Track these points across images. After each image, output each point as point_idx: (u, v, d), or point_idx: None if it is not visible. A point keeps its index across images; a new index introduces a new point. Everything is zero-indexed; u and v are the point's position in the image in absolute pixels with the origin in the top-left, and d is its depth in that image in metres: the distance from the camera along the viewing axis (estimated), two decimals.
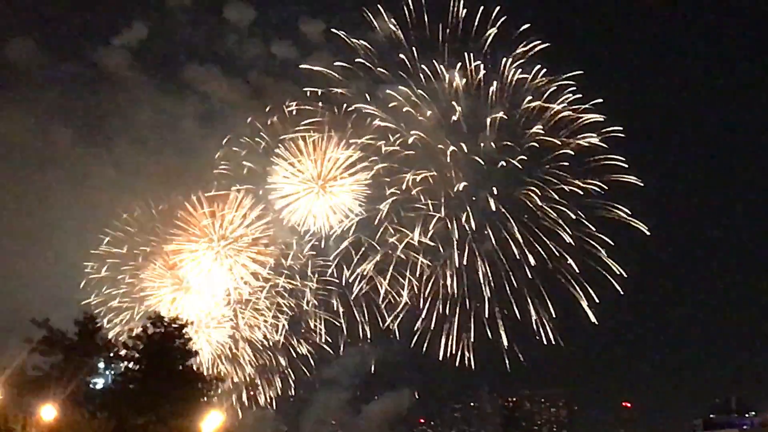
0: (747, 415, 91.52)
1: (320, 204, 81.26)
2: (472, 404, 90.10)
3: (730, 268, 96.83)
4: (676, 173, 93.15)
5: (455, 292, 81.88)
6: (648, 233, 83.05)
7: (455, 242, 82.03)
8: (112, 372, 53.94)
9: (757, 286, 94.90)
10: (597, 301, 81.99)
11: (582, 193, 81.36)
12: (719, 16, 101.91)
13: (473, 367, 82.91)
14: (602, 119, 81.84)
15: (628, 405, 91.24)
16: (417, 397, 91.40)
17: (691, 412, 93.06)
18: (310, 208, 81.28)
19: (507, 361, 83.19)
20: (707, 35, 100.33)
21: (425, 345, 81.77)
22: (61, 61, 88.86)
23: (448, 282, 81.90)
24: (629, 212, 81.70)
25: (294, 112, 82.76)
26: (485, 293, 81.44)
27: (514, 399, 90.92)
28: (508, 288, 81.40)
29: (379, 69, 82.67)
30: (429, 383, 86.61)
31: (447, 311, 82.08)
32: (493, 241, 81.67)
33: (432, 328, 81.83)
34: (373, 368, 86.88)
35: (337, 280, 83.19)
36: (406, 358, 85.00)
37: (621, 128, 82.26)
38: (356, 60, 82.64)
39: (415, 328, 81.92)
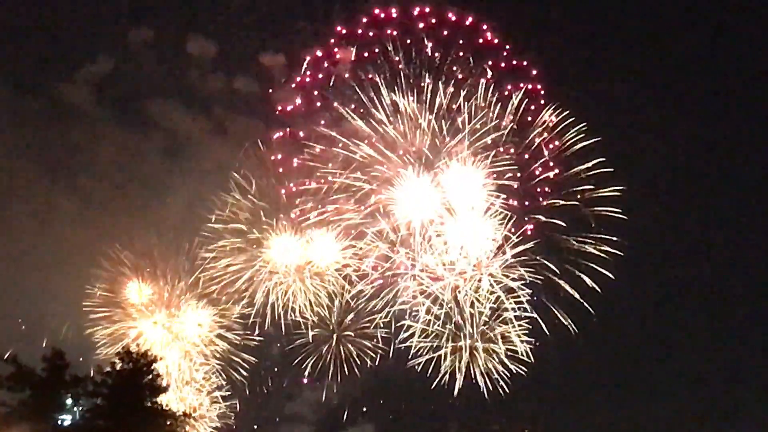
0: None
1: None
2: None
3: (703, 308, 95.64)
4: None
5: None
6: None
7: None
8: (81, 408, 53.68)
9: (729, 321, 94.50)
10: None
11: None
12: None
13: None
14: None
15: None
16: None
17: None
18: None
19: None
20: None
21: None
22: (24, 95, 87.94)
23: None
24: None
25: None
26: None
27: None
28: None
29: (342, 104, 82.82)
30: (394, 418, 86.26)
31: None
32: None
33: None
34: (336, 403, 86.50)
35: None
36: (370, 393, 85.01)
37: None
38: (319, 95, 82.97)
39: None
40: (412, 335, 79.29)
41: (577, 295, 78.36)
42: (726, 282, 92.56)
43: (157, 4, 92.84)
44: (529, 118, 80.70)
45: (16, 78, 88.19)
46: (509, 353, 79.08)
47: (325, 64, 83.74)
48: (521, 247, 78.54)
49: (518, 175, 79.91)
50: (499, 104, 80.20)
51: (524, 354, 78.63)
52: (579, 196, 79.51)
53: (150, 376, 55.74)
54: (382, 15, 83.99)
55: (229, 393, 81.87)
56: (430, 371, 79.28)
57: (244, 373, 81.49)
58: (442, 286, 79.27)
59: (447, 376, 79.27)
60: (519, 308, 78.89)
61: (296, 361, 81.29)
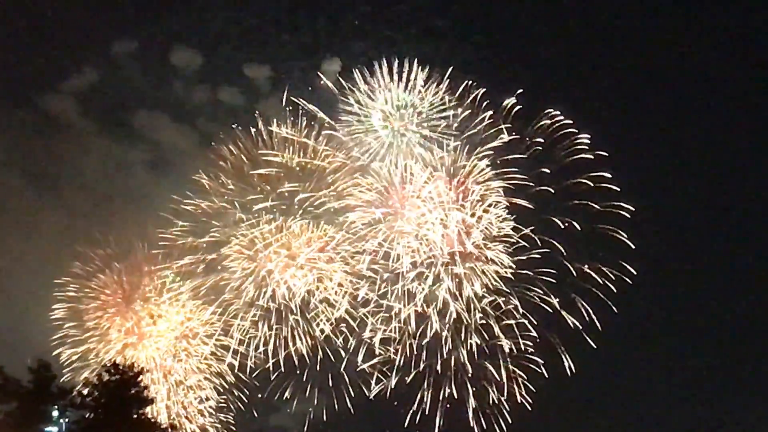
0: None
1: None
2: None
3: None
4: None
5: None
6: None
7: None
8: (67, 420, 53.47)
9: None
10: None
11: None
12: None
13: None
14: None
15: None
16: None
17: None
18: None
19: None
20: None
21: None
22: (9, 107, 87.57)
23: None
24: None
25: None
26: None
27: None
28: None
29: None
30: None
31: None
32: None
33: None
34: (322, 418, 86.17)
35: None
36: (357, 408, 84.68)
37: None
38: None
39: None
40: (395, 356, 79.20)
41: (573, 321, 77.12)
42: (733, 307, 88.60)
43: (141, 15, 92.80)
44: (521, 134, 79.41)
45: (1, 89, 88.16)
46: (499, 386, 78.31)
47: (309, 77, 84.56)
48: (516, 258, 77.77)
49: (515, 192, 78.42)
50: (490, 112, 79.05)
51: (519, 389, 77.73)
52: (581, 217, 77.11)
53: (137, 388, 55.71)
54: (366, 27, 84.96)
55: (224, 405, 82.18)
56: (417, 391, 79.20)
57: (236, 392, 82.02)
58: (425, 305, 79.00)
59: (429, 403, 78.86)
60: (510, 338, 78.08)
61: (280, 376, 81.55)
